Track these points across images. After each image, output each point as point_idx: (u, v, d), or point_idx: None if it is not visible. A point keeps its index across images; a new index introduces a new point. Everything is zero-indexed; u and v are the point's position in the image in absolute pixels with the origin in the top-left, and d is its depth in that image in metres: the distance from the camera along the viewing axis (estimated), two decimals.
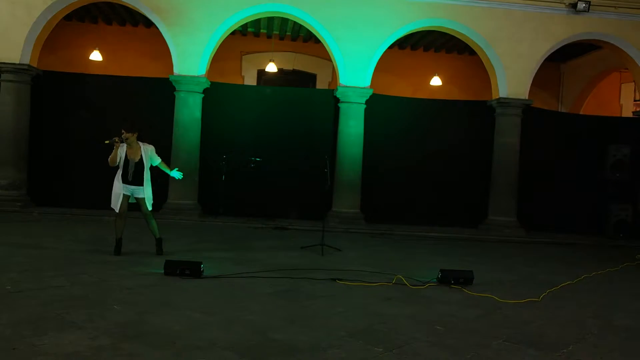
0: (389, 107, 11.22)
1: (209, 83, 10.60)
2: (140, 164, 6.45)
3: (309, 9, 10.42)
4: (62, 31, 12.27)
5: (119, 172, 6.44)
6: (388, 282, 5.83)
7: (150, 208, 6.58)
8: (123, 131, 6.37)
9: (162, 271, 5.52)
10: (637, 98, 14.09)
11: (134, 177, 6.41)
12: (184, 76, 10.34)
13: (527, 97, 11.00)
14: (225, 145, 10.66)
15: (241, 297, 4.91)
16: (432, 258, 7.76)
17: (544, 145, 11.37)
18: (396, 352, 3.68)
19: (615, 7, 10.78)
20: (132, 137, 6.41)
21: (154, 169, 6.66)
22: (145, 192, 6.51)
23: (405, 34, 11.14)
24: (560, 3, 10.75)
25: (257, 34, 13.64)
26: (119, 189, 6.42)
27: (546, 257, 8.63)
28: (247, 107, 11.04)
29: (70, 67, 12.20)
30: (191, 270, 5.49)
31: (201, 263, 5.62)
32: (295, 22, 11.63)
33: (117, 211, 6.44)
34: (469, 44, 11.34)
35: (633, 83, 13.07)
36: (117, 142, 6.32)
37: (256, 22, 12.41)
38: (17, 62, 10.02)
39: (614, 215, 11.15)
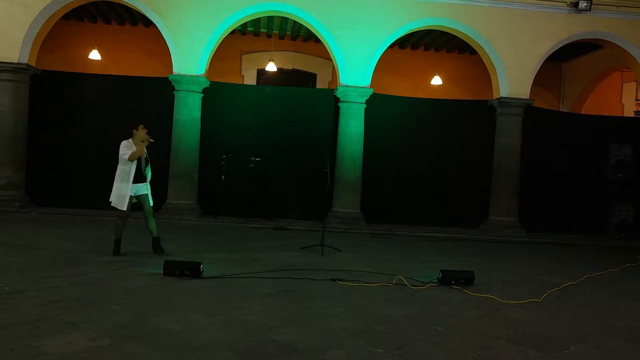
0: (390, 106, 11.19)
1: (209, 82, 10.57)
2: (147, 161, 6.55)
3: (309, 8, 10.39)
4: (61, 30, 12.25)
5: (129, 172, 6.34)
6: (388, 282, 5.81)
7: (152, 204, 6.63)
8: (142, 127, 6.45)
9: (162, 271, 5.50)
10: (639, 97, 14.06)
11: (142, 175, 6.46)
12: (184, 76, 10.31)
13: (528, 97, 10.96)
14: (225, 145, 10.64)
15: (241, 298, 4.89)
16: (433, 258, 7.74)
17: (545, 145, 11.34)
18: (397, 353, 3.66)
19: (617, 6, 10.73)
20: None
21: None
22: (148, 188, 6.58)
23: (406, 33, 11.11)
24: (561, 2, 10.71)
25: (256, 34, 13.62)
26: (125, 190, 6.35)
27: (547, 258, 8.60)
28: (246, 107, 11.01)
29: (69, 67, 12.18)
30: (190, 270, 5.47)
31: (200, 263, 5.60)
32: (295, 22, 11.61)
33: (125, 211, 6.40)
34: (469, 43, 11.30)
35: (635, 82, 13.06)
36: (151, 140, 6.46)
37: (256, 22, 12.38)
38: (16, 61, 9.99)
39: (615, 216, 11.10)
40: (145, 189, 6.52)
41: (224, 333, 3.87)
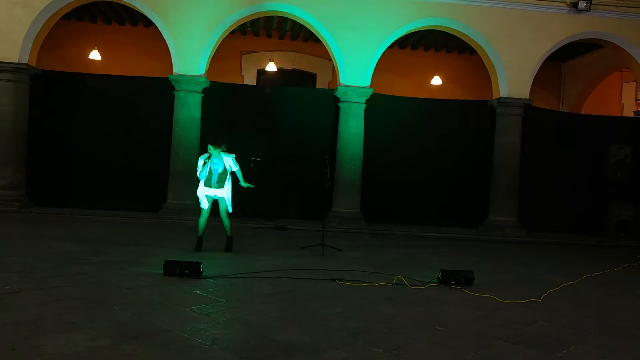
0: (389, 106, 11.19)
1: (209, 82, 10.57)
2: (224, 169, 7.47)
3: (309, 8, 10.39)
4: (61, 30, 12.25)
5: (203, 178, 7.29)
6: (388, 282, 5.81)
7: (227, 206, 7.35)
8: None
9: (162, 271, 5.50)
10: (639, 98, 14.07)
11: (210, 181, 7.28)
12: (184, 76, 10.31)
13: (527, 97, 10.97)
14: (225, 145, 10.60)
15: (241, 298, 4.89)
16: (433, 258, 7.74)
17: (544, 145, 11.34)
18: (396, 353, 3.66)
19: (616, 6, 10.74)
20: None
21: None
22: (227, 192, 7.37)
23: (406, 33, 11.11)
24: (561, 2, 10.72)
25: (256, 34, 13.61)
26: (201, 192, 7.30)
27: (547, 258, 8.61)
28: (246, 107, 11.01)
29: (69, 67, 12.18)
30: (191, 270, 5.47)
31: (200, 263, 5.60)
32: (295, 22, 11.61)
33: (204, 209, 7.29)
34: (469, 43, 11.31)
35: (634, 82, 13.05)
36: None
37: (256, 22, 12.37)
38: (16, 61, 9.99)
39: (615, 216, 11.11)
40: (220, 193, 7.24)
41: (224, 333, 3.88)
